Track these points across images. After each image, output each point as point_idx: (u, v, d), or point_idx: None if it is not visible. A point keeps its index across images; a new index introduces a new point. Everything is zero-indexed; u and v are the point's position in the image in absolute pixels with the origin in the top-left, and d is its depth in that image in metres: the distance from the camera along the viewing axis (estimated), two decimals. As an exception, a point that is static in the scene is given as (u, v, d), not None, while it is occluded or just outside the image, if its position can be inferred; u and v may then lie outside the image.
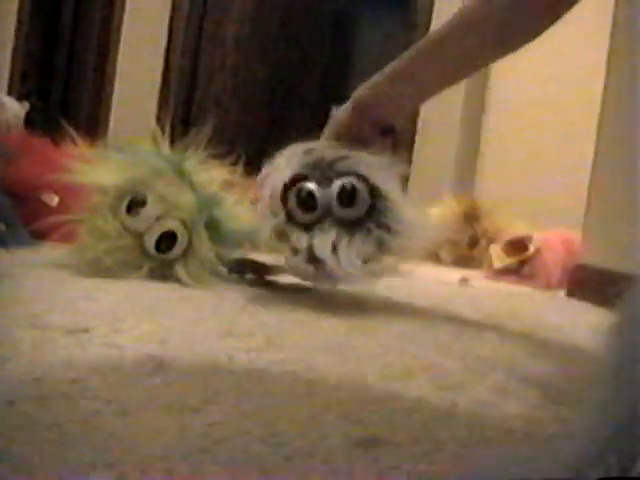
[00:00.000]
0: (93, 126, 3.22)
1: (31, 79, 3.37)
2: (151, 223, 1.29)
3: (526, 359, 0.97)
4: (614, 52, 1.92)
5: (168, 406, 0.60)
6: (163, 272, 1.30)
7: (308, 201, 1.17)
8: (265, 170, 1.22)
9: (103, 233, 1.29)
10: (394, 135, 1.28)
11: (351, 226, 1.16)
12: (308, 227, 1.17)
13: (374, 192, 1.17)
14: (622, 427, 0.37)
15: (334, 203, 1.17)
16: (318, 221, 1.17)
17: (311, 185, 1.18)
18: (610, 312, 0.43)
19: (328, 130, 1.28)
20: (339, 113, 1.26)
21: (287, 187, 1.18)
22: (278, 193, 1.18)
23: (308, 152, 1.22)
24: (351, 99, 1.25)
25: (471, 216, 2.65)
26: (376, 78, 1.23)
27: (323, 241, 1.14)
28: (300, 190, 1.18)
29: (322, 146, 1.24)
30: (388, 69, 1.22)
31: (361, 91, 1.24)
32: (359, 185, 1.17)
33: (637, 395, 0.36)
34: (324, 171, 1.20)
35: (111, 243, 1.28)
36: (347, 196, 1.16)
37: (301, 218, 1.18)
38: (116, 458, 0.48)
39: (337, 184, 1.17)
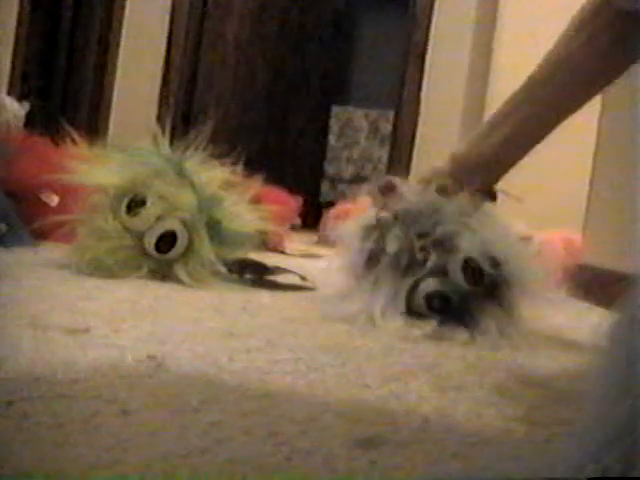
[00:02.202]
0: (93, 126, 3.22)
1: (31, 79, 3.37)
2: (151, 223, 1.29)
3: (526, 359, 0.97)
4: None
5: (168, 406, 0.60)
6: (163, 272, 1.30)
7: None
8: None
9: (103, 233, 1.28)
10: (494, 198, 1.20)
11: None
12: None
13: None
14: (622, 427, 0.37)
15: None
16: None
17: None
18: (610, 312, 0.43)
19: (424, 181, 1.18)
20: (436, 170, 1.18)
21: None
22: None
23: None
24: (449, 159, 1.18)
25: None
26: (476, 138, 1.17)
27: None
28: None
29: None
30: (487, 128, 1.17)
31: (460, 152, 1.18)
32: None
33: (637, 395, 0.36)
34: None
35: (111, 243, 1.28)
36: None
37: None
38: (116, 458, 0.48)
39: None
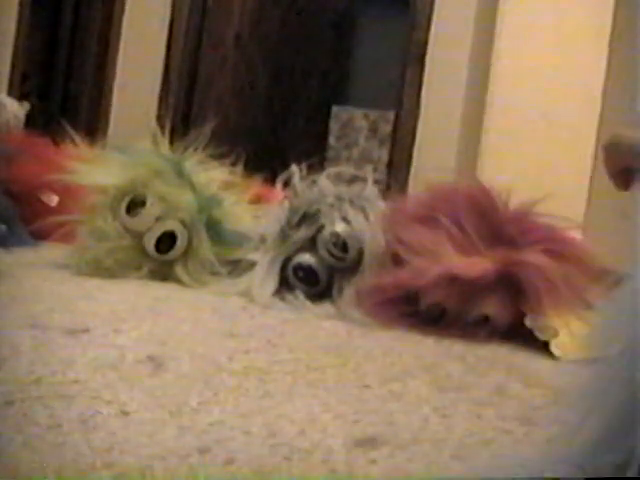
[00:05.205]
0: (93, 126, 3.21)
1: (31, 79, 3.37)
2: (151, 223, 1.29)
3: (526, 359, 0.97)
4: (614, 51, 1.92)
5: (168, 406, 0.60)
6: (163, 272, 1.30)
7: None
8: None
9: (103, 233, 1.28)
10: None
11: None
12: None
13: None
14: (622, 427, 0.36)
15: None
16: None
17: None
18: (609, 312, 0.43)
19: None
20: None
21: None
22: None
23: None
24: None
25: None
26: None
27: None
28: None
29: None
30: None
31: None
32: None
33: (636, 395, 0.36)
34: None
35: (111, 244, 1.27)
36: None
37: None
38: (116, 458, 0.48)
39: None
